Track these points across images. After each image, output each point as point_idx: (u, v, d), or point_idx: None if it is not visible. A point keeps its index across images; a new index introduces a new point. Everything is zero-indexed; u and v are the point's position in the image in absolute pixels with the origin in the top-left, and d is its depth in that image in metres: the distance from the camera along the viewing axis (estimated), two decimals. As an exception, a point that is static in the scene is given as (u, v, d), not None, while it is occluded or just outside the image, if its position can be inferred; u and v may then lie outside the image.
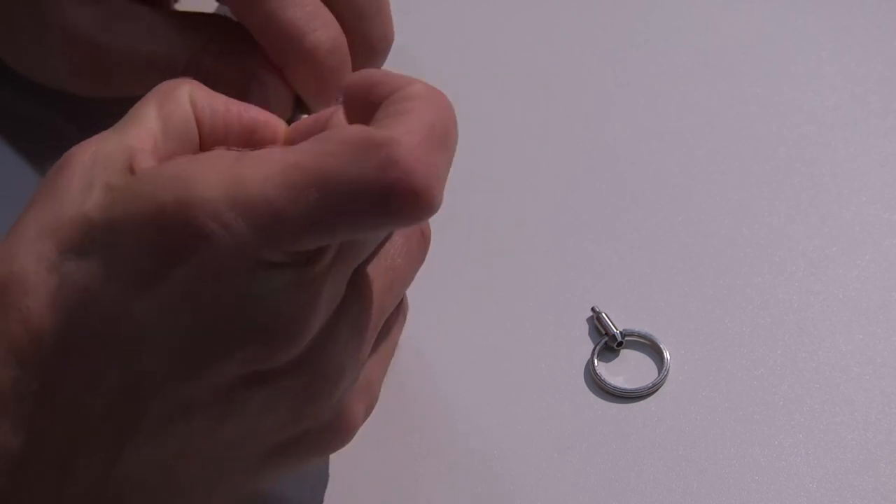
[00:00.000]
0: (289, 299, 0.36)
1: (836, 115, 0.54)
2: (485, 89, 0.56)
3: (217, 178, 0.35)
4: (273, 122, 0.41)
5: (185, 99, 0.40)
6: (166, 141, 0.39)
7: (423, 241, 0.42)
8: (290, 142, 0.41)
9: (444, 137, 0.37)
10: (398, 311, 0.43)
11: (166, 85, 0.40)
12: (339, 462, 0.44)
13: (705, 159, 0.53)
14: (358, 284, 0.38)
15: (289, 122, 0.48)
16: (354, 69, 0.48)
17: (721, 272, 0.49)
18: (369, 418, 0.45)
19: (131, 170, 0.37)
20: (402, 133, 0.35)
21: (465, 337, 0.48)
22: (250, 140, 0.40)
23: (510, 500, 0.43)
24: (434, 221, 0.51)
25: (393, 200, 0.35)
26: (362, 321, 0.39)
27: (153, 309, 0.35)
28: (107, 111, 0.53)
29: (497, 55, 0.57)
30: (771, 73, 0.55)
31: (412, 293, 0.47)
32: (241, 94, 0.45)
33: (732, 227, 0.50)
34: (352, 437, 0.41)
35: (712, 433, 0.45)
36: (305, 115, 0.48)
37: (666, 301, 0.48)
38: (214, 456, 0.38)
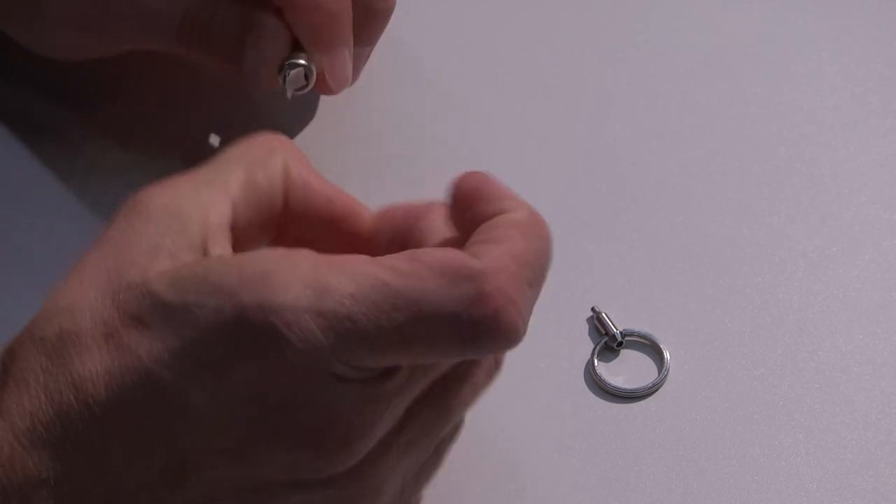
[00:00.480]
0: (352, 412, 0.35)
1: (836, 115, 0.54)
2: (485, 89, 0.56)
3: (302, 283, 0.34)
4: (362, 213, 0.40)
5: (279, 168, 0.39)
6: (247, 208, 0.38)
7: (495, 367, 0.41)
8: (376, 233, 0.40)
9: (536, 272, 0.37)
10: (454, 431, 0.41)
11: (261, 142, 0.39)
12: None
13: (705, 159, 0.53)
14: (420, 407, 0.38)
15: (284, 63, 0.47)
16: (354, 31, 0.48)
17: (721, 272, 0.49)
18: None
19: (206, 251, 0.36)
20: (495, 266, 0.35)
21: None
22: (336, 227, 0.40)
23: (510, 499, 0.43)
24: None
25: (477, 334, 0.35)
26: (416, 444, 0.38)
27: (212, 399, 0.34)
28: (108, 110, 0.54)
29: (497, 55, 0.57)
30: (771, 73, 0.55)
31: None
32: (240, 37, 0.44)
33: (732, 227, 0.50)
34: None
35: (712, 433, 0.45)
36: (302, 59, 0.47)
37: (666, 301, 0.48)
38: None
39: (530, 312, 0.36)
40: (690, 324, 0.48)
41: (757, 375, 0.46)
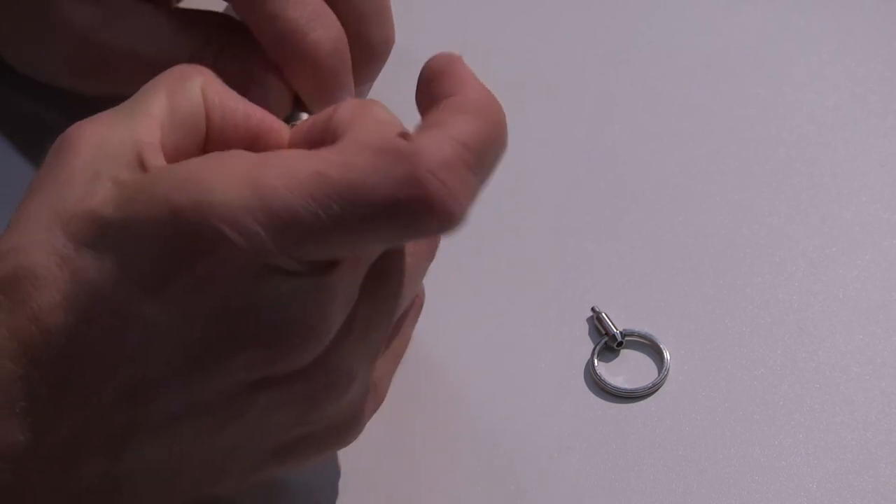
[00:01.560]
0: (302, 306, 0.35)
1: (836, 115, 0.54)
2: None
3: (237, 182, 0.34)
4: (279, 128, 0.41)
5: (197, 91, 0.39)
6: (173, 132, 0.38)
7: (434, 238, 0.41)
8: (293, 146, 0.40)
9: (481, 157, 0.36)
10: (412, 306, 0.42)
11: (178, 70, 0.40)
12: (340, 462, 0.44)
13: (706, 160, 0.53)
14: (369, 287, 0.38)
15: (287, 118, 0.47)
16: (354, 72, 0.48)
17: (721, 272, 0.49)
18: (371, 417, 0.45)
19: (142, 166, 0.36)
20: (430, 148, 0.35)
21: (465, 336, 0.47)
22: (255, 143, 0.40)
23: (510, 499, 0.43)
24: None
25: (412, 218, 0.34)
26: (374, 324, 0.38)
27: (164, 310, 0.35)
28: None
29: (498, 55, 0.57)
30: (772, 74, 0.55)
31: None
32: (240, 93, 0.45)
33: (732, 227, 0.50)
34: (357, 436, 0.40)
35: (712, 433, 0.45)
36: (304, 115, 0.48)
37: (666, 301, 0.48)
38: (219, 454, 0.37)
39: (472, 198, 0.35)
40: (690, 324, 0.48)
41: (757, 375, 0.46)
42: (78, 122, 0.38)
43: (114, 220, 0.35)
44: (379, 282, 0.38)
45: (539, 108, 0.55)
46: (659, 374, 0.46)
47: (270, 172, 0.35)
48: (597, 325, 0.48)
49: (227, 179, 0.35)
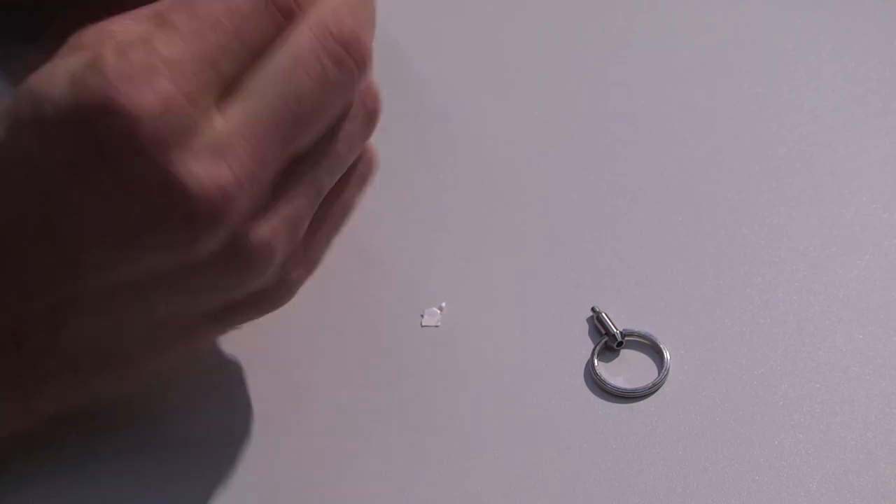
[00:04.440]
0: (208, 172, 0.36)
1: (836, 115, 0.54)
2: (484, 89, 0.56)
3: (118, 41, 0.36)
4: None
5: None
6: None
7: (367, 98, 0.42)
8: None
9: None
10: (352, 171, 0.43)
11: None
12: (340, 460, 0.44)
13: (705, 159, 0.53)
14: (289, 169, 0.39)
15: None
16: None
17: (721, 272, 0.49)
18: (369, 417, 0.45)
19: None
20: None
21: (465, 336, 0.48)
22: None
23: (510, 499, 0.43)
24: (434, 221, 0.51)
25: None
26: (293, 190, 0.39)
27: (84, 191, 0.36)
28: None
29: (496, 54, 0.57)
30: (771, 73, 0.56)
31: (411, 293, 0.47)
32: None
33: (732, 227, 0.50)
34: (289, 299, 0.42)
35: (712, 433, 0.45)
36: None
37: (666, 301, 0.48)
38: (154, 324, 0.40)
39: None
40: (690, 324, 0.48)
41: (757, 375, 0.46)
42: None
43: (39, 97, 0.36)
44: (299, 166, 0.39)
45: (538, 107, 0.55)
46: (659, 374, 0.46)
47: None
48: (597, 325, 0.48)
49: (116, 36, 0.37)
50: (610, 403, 0.46)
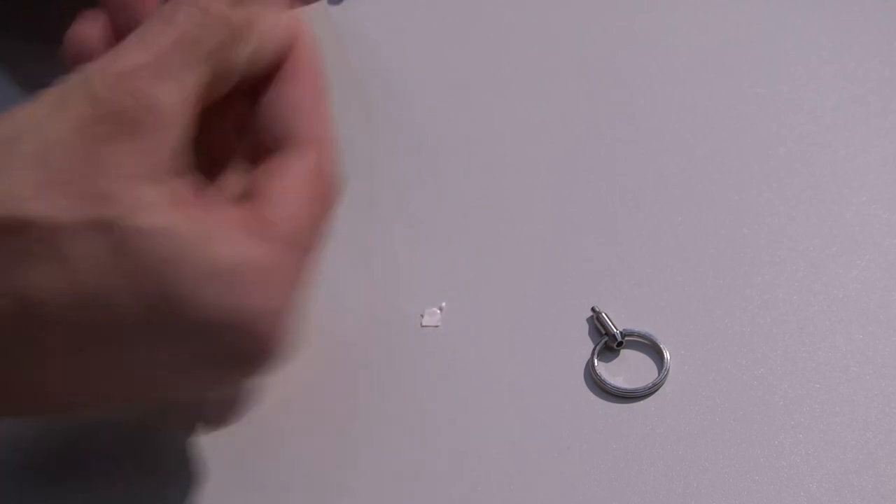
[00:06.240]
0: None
1: (836, 115, 0.54)
2: (485, 90, 0.56)
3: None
4: None
5: None
6: None
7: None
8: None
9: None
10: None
11: None
12: (340, 460, 0.44)
13: (705, 159, 0.53)
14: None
15: None
16: None
17: (721, 272, 0.49)
18: (369, 417, 0.45)
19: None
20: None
21: (465, 336, 0.48)
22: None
23: (510, 499, 0.43)
24: (434, 221, 0.51)
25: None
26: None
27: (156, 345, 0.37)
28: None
29: (497, 55, 0.57)
30: (771, 73, 0.56)
31: (411, 293, 0.47)
32: None
33: (732, 227, 0.50)
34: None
35: (712, 433, 0.45)
36: None
37: (666, 301, 0.48)
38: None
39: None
40: (690, 324, 0.48)
41: (757, 375, 0.46)
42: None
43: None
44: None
45: (539, 108, 0.55)
46: (659, 374, 0.46)
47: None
48: (597, 325, 0.48)
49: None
50: (610, 403, 0.46)
